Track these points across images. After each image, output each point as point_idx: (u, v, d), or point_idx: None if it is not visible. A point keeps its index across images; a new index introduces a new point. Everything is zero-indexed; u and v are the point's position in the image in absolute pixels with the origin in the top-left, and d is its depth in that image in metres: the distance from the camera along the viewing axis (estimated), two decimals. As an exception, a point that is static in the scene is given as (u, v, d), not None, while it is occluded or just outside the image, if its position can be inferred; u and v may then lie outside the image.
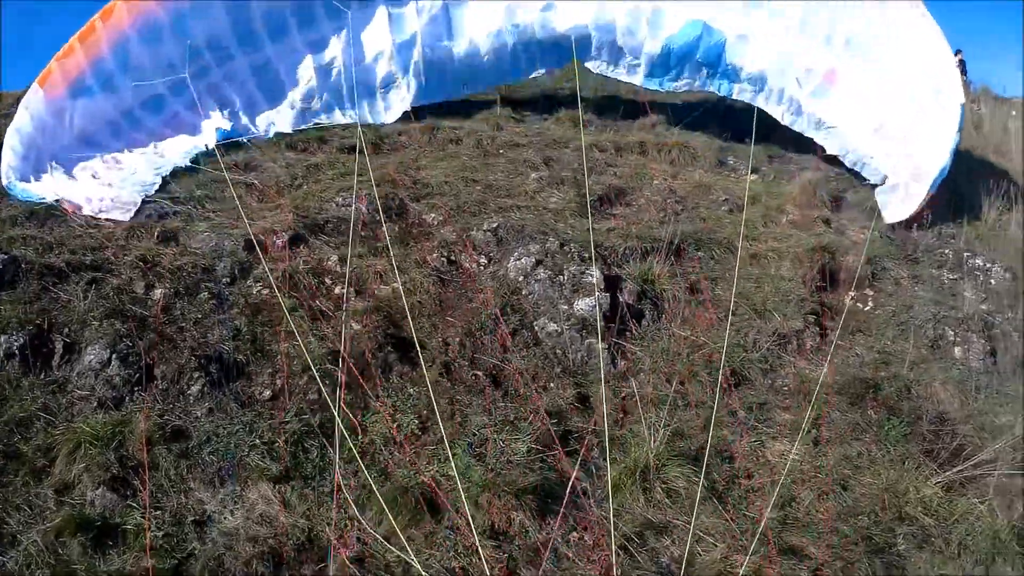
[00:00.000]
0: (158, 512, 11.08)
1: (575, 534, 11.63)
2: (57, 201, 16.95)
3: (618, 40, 23.75)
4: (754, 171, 23.85)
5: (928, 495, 13.09)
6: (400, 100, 23.21)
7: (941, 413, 15.17)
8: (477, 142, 23.33)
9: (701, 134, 25.77)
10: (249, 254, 15.58)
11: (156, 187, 18.30)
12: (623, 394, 14.45)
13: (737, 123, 26.26)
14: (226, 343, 13.71)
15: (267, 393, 13.13)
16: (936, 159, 20.05)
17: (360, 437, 12.50)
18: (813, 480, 13.28)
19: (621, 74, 24.60)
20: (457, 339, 14.60)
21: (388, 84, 22.81)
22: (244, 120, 21.31)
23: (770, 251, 18.64)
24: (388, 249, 15.80)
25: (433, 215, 17.87)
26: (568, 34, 23.47)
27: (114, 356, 13.02)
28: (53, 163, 18.37)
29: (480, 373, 14.21)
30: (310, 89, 21.91)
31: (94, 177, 18.45)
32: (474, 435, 12.77)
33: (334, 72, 22.14)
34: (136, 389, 12.81)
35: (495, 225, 17.45)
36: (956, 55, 42.49)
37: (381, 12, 22.65)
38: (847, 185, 23.14)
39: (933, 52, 20.94)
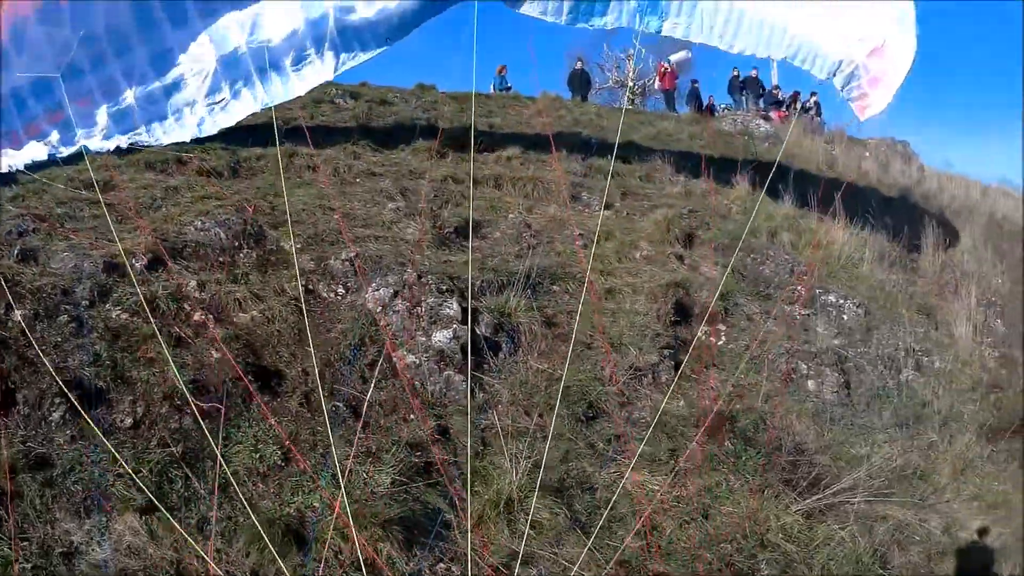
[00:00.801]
0: (25, 543, 10.77)
1: (442, 565, 11.70)
2: None
3: None
4: (607, 207, 24.16)
5: (789, 522, 13.55)
6: (315, 73, 22.42)
7: (798, 444, 15.75)
8: (335, 170, 23.17)
9: (557, 168, 25.95)
10: (108, 276, 15.20)
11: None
12: (482, 426, 14.55)
13: (593, 153, 27.20)
14: (86, 369, 13.29)
15: (128, 421, 12.80)
16: (901, 32, 19.21)
17: (222, 468, 12.23)
18: (675, 509, 13.57)
19: (541, 11, 23.49)
20: (316, 369, 14.35)
21: (300, 61, 22.07)
22: (138, 121, 20.74)
23: (625, 286, 18.95)
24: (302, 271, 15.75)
25: (291, 243, 17.62)
26: None
27: (-27, 378, 12.59)
28: None
29: (340, 404, 14.15)
30: (215, 82, 21.20)
31: None
32: (336, 466, 12.55)
33: (240, 59, 21.45)
34: (-2, 413, 12.37)
35: (352, 255, 17.21)
36: (812, 96, 43.75)
37: None
38: (699, 222, 23.59)
39: None
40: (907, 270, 25.06)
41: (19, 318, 13.74)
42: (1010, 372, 21.07)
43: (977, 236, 28.85)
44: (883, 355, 19.81)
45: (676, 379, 16.36)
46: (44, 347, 13.42)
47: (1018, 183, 39.53)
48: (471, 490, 12.69)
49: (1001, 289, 25.09)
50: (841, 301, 21.23)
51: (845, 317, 20.91)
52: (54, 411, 12.58)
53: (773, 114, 43.68)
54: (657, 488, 13.85)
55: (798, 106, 45.67)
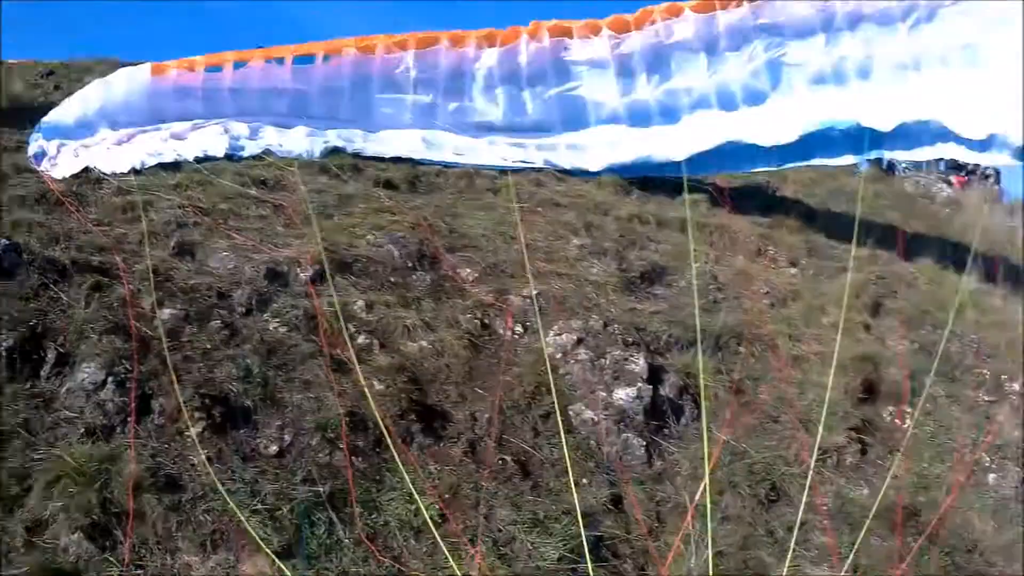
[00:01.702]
0: (139, 572, 9.75)
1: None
2: (39, 165, 18.97)
3: None
4: (793, 264, 23.22)
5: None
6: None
7: (975, 542, 14.66)
8: (517, 196, 22.00)
9: (741, 218, 25.15)
10: (270, 284, 14.36)
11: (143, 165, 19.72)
12: (658, 499, 13.29)
13: (779, 210, 26.82)
14: (234, 384, 12.26)
15: (274, 448, 11.68)
16: None
17: (373, 516, 11.14)
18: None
19: None
20: (486, 415, 13.24)
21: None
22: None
23: (813, 354, 17.81)
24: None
25: (468, 270, 16.66)
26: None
27: (110, 379, 11.69)
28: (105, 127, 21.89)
29: (508, 458, 12.83)
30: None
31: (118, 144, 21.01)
32: (499, 531, 11.42)
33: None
34: (129, 420, 11.34)
35: (536, 292, 16.08)
36: None
37: None
38: (887, 290, 22.62)
39: None
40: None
41: (165, 317, 12.74)
42: None
43: None
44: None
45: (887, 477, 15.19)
46: (191, 353, 12.49)
47: None
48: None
49: None
50: (1026, 390, 20.28)
51: (1030, 408, 19.91)
52: (192, 426, 11.42)
53: (953, 179, 42.49)
54: (839, 585, 12.70)
55: (978, 172, 44.01)
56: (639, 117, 25.72)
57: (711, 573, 11.38)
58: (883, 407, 17.53)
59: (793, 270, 22.94)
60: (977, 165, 43.43)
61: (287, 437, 11.81)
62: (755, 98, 24.82)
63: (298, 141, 22.05)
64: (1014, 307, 23.05)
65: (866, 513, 13.78)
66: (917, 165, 43.49)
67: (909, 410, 17.45)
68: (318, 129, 23.25)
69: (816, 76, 24.13)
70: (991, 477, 16.56)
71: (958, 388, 18.92)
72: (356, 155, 22.75)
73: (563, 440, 12.24)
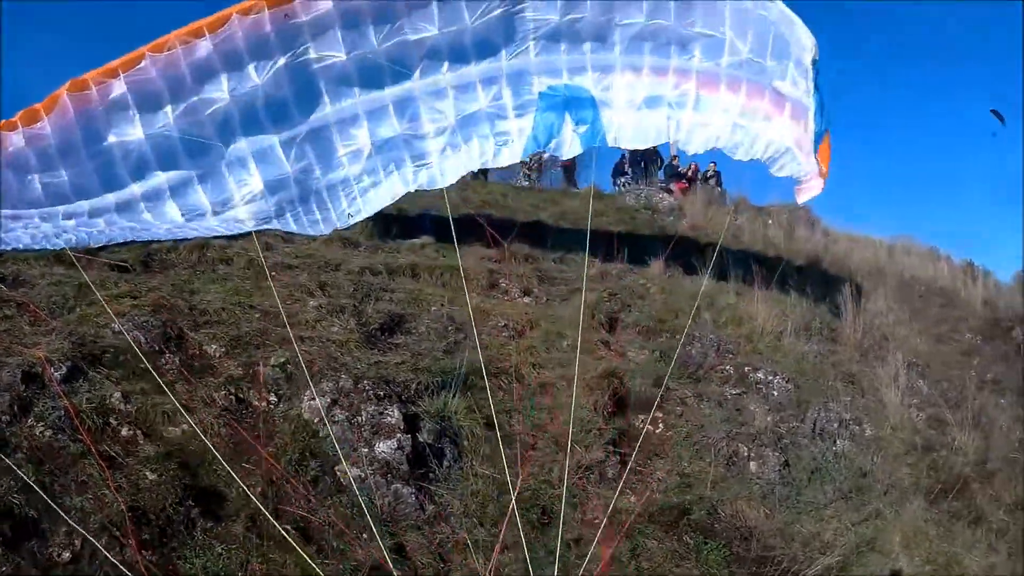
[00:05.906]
0: None
1: None
2: None
3: None
4: (526, 293, 23.67)
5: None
6: None
7: (750, 528, 15.73)
8: (248, 262, 21.78)
9: (467, 254, 25.17)
10: (27, 388, 13.88)
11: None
12: (437, 540, 13.74)
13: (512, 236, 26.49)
14: (15, 495, 11.84)
15: (66, 555, 11.50)
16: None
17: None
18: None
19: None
20: (259, 488, 13.38)
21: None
22: None
23: (559, 379, 18.33)
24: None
25: (215, 346, 16.53)
26: None
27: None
28: None
29: (289, 527, 12.78)
30: None
31: None
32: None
33: None
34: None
35: (283, 360, 16.21)
36: (711, 165, 43.21)
37: None
38: (620, 305, 23.35)
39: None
40: (828, 339, 25.08)
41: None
42: (940, 432, 21.47)
43: (891, 297, 29.19)
44: (817, 428, 19.85)
45: (624, 475, 15.76)
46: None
47: (920, 239, 39.89)
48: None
49: (921, 349, 25.77)
50: (770, 377, 21.19)
51: (775, 393, 20.82)
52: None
53: (674, 186, 42.82)
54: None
55: (699, 177, 44.63)
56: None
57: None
58: (634, 417, 18.19)
59: (527, 299, 23.40)
60: (696, 170, 44.30)
61: (76, 542, 11.66)
62: None
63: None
64: (749, 301, 24.03)
65: (638, 519, 14.41)
66: (635, 178, 44.13)
67: (659, 414, 18.12)
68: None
69: None
70: (752, 465, 17.63)
71: (704, 386, 19.84)
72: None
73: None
